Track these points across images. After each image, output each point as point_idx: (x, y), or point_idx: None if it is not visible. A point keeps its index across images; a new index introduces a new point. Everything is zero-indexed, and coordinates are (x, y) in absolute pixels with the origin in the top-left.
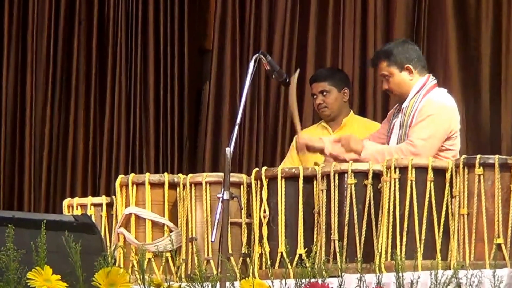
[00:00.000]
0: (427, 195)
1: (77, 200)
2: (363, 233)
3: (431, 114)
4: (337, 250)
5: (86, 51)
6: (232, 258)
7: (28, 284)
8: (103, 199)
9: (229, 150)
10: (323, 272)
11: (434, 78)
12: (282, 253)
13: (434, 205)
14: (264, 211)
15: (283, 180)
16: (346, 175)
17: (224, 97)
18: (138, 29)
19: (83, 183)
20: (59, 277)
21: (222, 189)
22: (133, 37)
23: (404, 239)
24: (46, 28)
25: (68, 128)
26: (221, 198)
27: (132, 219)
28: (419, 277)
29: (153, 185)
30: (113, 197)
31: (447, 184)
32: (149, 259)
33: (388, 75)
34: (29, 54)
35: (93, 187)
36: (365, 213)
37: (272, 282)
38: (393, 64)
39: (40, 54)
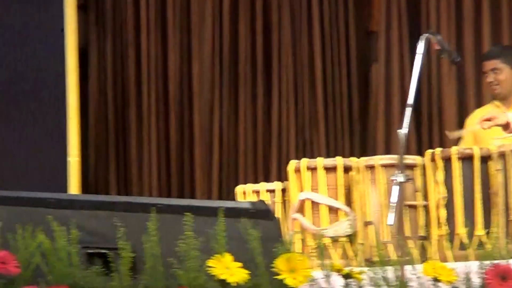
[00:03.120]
0: None
1: (250, 187)
2: None
3: None
4: None
5: (251, 39)
6: (409, 241)
7: (208, 272)
8: (276, 185)
9: (402, 132)
10: (506, 254)
11: None
12: (460, 234)
13: None
14: (441, 193)
15: (458, 161)
16: None
17: (392, 78)
18: (302, 13)
19: (254, 169)
20: (239, 264)
21: (398, 172)
22: (298, 21)
23: None
24: (210, 17)
25: (237, 116)
26: (396, 181)
27: (307, 204)
28: None
29: (326, 169)
30: (286, 182)
31: None
32: (326, 244)
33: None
34: (194, 43)
35: (264, 173)
36: None
37: (453, 264)
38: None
39: (205, 44)
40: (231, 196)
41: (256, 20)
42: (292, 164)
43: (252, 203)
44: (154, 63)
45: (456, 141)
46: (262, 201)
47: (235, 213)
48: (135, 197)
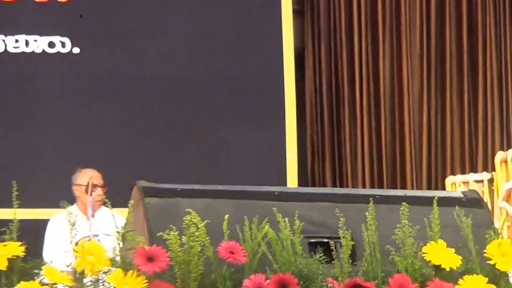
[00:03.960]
0: None
1: (459, 178)
2: None
3: None
4: None
5: (457, 38)
6: None
7: (424, 257)
8: (483, 176)
9: None
10: None
11: None
12: None
13: None
14: None
15: None
16: None
17: None
18: (506, 12)
19: (461, 161)
20: (452, 250)
21: None
22: (502, 21)
23: None
24: (418, 19)
25: (444, 111)
26: None
27: None
28: None
29: None
30: (493, 173)
31: None
32: None
33: None
34: (404, 44)
35: (471, 164)
36: None
37: None
38: None
39: (414, 43)
40: (439, 186)
41: (461, 21)
42: (499, 155)
43: (464, 192)
44: (365, 63)
45: None
46: (474, 191)
47: (448, 202)
48: (354, 189)
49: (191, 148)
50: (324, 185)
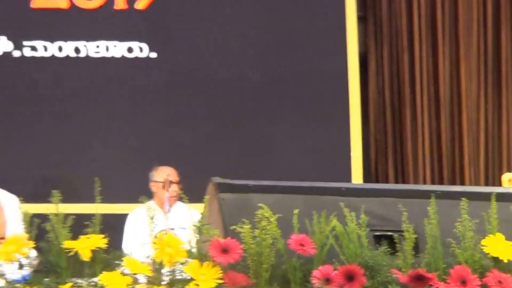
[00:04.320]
0: None
1: None
2: None
3: None
4: None
5: None
6: None
7: (483, 250)
8: None
9: None
10: None
11: None
12: None
13: None
14: None
15: None
16: None
17: None
18: None
19: None
20: (510, 243)
21: None
22: None
23: None
24: (476, 24)
25: (500, 111)
26: None
27: None
28: None
29: None
30: None
31: None
32: None
33: None
34: (461, 47)
35: None
36: None
37: None
38: None
39: (471, 46)
40: (496, 183)
41: None
42: None
43: None
44: (426, 66)
45: None
46: None
47: (505, 197)
48: (416, 185)
49: (260, 146)
50: (387, 182)
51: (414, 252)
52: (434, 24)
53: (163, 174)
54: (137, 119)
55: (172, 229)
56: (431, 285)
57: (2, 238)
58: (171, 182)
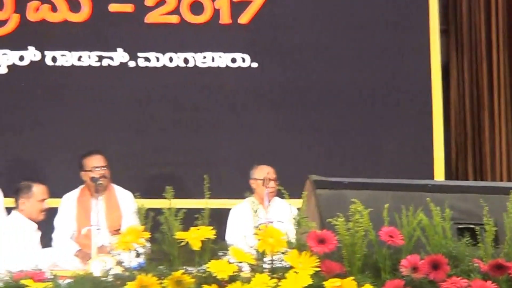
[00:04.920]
0: None
1: None
2: None
3: None
4: None
5: None
6: None
7: None
8: None
9: None
10: None
11: None
12: None
13: None
14: None
15: None
16: None
17: None
18: None
19: None
20: None
21: None
22: None
23: None
24: None
25: None
26: None
27: None
28: None
29: None
30: None
31: None
32: None
33: None
34: None
35: None
36: None
37: None
38: None
39: None
40: None
41: None
42: None
43: None
44: (503, 74)
45: None
46: None
47: None
48: (496, 182)
49: (351, 149)
50: (467, 180)
51: (494, 244)
52: (510, 35)
53: (262, 172)
54: (240, 123)
55: (271, 222)
56: (510, 274)
57: (117, 230)
58: (269, 179)
